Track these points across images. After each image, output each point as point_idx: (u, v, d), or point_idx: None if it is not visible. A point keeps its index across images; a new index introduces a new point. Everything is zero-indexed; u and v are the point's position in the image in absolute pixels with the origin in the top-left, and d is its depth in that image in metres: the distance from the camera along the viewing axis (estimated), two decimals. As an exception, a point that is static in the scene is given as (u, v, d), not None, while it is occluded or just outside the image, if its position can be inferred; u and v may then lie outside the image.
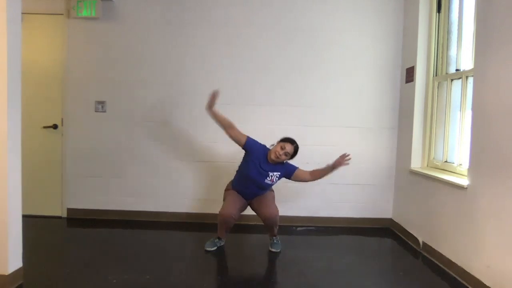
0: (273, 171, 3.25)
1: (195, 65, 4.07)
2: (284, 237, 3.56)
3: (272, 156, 3.20)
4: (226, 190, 3.47)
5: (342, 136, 4.08)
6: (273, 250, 3.35)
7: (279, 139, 3.30)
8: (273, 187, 3.43)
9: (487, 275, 2.56)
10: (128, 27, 4.06)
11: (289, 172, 3.32)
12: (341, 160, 3.24)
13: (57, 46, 4.07)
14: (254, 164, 3.25)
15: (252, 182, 3.27)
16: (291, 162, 3.35)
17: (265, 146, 3.34)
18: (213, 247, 3.34)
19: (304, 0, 4.03)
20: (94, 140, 4.11)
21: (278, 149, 3.19)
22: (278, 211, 3.26)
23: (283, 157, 3.20)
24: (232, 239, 3.84)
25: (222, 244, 3.41)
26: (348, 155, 3.21)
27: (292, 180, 3.36)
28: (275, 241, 3.40)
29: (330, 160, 4.06)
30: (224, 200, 3.41)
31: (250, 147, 3.29)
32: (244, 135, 3.30)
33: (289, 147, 3.20)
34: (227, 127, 3.29)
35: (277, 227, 3.36)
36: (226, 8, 4.04)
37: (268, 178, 3.24)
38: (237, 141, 3.29)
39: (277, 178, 3.29)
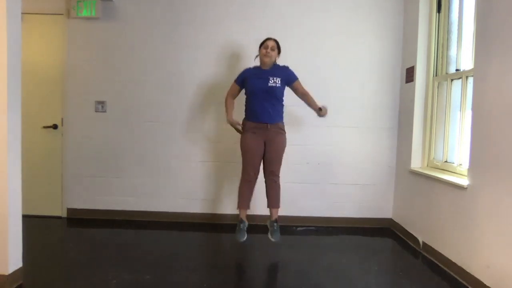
0: (272, 75, 3.26)
1: (195, 65, 4.07)
2: (284, 237, 3.55)
3: (263, 59, 3.28)
4: (242, 131, 3.39)
5: (342, 136, 4.08)
6: (272, 239, 3.27)
7: (258, 47, 3.36)
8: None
9: (487, 275, 2.56)
10: (128, 27, 4.06)
11: (290, 79, 3.35)
12: (325, 112, 3.34)
13: (57, 46, 4.07)
14: (253, 78, 3.29)
15: (258, 94, 3.25)
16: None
17: (253, 66, 3.43)
18: (244, 236, 3.27)
19: (304, 0, 4.03)
20: (94, 140, 4.12)
21: (263, 50, 3.28)
22: (279, 177, 3.30)
23: (272, 52, 3.28)
24: (232, 239, 3.84)
25: (246, 226, 3.32)
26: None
27: (291, 86, 3.38)
28: (275, 227, 3.30)
29: (330, 160, 4.09)
30: (242, 153, 3.35)
31: (242, 78, 3.37)
32: (233, 83, 3.41)
33: (271, 43, 3.29)
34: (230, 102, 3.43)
35: (279, 197, 3.34)
36: (226, 8, 4.04)
37: (270, 81, 3.24)
38: (236, 94, 3.42)
39: (279, 82, 3.26)
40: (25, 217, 2.73)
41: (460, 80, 3.18)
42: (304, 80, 3.99)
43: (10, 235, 2.48)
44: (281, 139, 3.34)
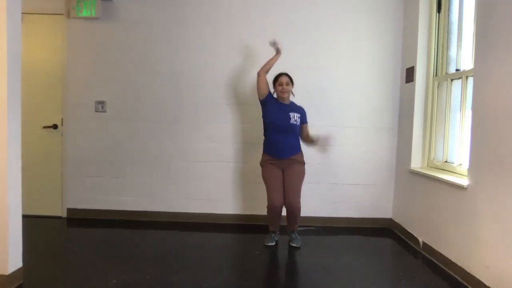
0: (292, 111, 3.43)
1: (195, 65, 4.07)
2: (284, 237, 3.56)
3: (283, 95, 3.42)
4: (262, 165, 3.52)
5: (342, 136, 4.08)
6: (294, 244, 3.44)
7: (272, 83, 3.48)
8: None
9: (487, 275, 2.55)
10: (128, 27, 4.06)
11: (303, 120, 3.52)
12: (325, 142, 3.48)
13: (57, 46, 4.07)
14: (275, 111, 3.41)
15: (280, 128, 3.38)
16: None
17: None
18: (272, 242, 3.49)
19: (304, 1, 4.03)
20: (94, 140, 4.12)
21: (279, 87, 3.42)
22: (299, 203, 3.39)
23: (288, 87, 3.42)
24: (233, 239, 3.84)
25: (278, 237, 3.55)
26: (333, 138, 3.54)
27: (304, 124, 3.53)
28: (293, 236, 3.49)
29: (330, 160, 4.09)
30: (265, 182, 3.48)
31: (269, 99, 3.47)
32: (268, 87, 3.48)
33: (284, 79, 3.43)
34: (265, 74, 3.46)
35: (298, 220, 3.46)
36: (226, 8, 4.04)
37: (291, 119, 3.39)
38: (262, 89, 3.44)
39: (298, 119, 3.44)
40: (25, 217, 2.73)
41: (460, 80, 3.17)
42: (305, 80, 4.02)
43: (10, 235, 2.47)
44: (298, 168, 3.47)
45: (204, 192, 4.15)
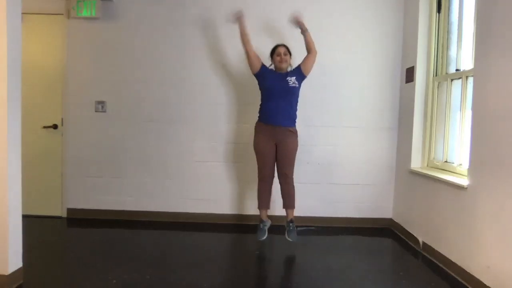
0: (289, 76, 3.38)
1: (195, 65, 4.07)
2: (285, 237, 3.55)
3: (280, 65, 3.39)
4: (255, 134, 3.48)
5: (342, 136, 4.08)
6: (289, 239, 3.36)
7: (269, 55, 3.50)
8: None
9: (487, 275, 2.55)
10: (128, 27, 4.06)
11: (299, 70, 3.46)
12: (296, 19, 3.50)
13: (57, 46, 4.07)
14: (271, 78, 3.39)
15: (277, 93, 3.34)
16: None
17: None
18: (264, 234, 3.42)
19: (303, 1, 4.03)
20: (94, 140, 4.12)
21: (277, 57, 3.40)
22: (293, 175, 3.41)
23: (286, 57, 3.41)
24: (232, 239, 3.84)
25: (268, 226, 3.50)
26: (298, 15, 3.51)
27: (305, 71, 3.47)
28: (291, 227, 3.39)
29: (330, 160, 4.09)
30: (256, 155, 3.47)
31: (263, 71, 3.44)
32: (260, 59, 3.46)
33: (282, 49, 3.42)
34: (249, 45, 3.46)
35: (293, 195, 3.43)
36: (227, 7, 4.04)
37: (289, 82, 3.35)
38: (253, 63, 3.43)
39: (296, 81, 3.39)
40: (25, 217, 2.73)
41: (460, 80, 3.18)
42: (305, 80, 4.00)
43: (10, 235, 2.48)
44: (292, 141, 3.42)
45: (204, 192, 4.14)
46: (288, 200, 3.44)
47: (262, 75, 3.43)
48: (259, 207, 3.52)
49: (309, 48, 3.50)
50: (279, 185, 3.49)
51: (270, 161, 3.42)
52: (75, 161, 4.12)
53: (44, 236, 3.66)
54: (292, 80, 3.37)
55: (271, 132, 3.37)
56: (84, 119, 4.10)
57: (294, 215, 3.47)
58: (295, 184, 3.49)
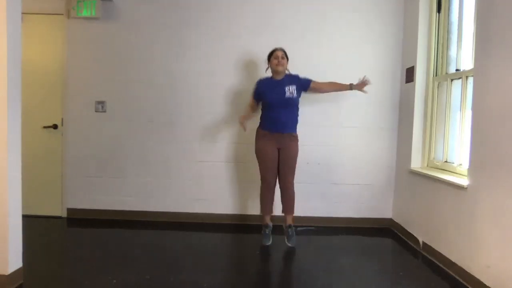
0: (287, 84, 3.39)
1: (195, 65, 4.07)
2: (284, 237, 3.55)
3: (277, 68, 3.40)
4: (256, 140, 3.52)
5: (342, 136, 4.08)
6: (289, 244, 3.40)
7: (267, 58, 3.51)
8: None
9: (487, 275, 2.55)
10: (128, 27, 4.06)
11: (304, 84, 3.48)
12: (362, 85, 3.54)
13: (57, 46, 4.07)
14: (269, 92, 3.41)
15: (276, 105, 3.37)
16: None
17: (265, 78, 3.58)
18: (269, 239, 3.46)
19: (304, 0, 4.03)
20: (94, 140, 4.12)
21: (274, 60, 3.41)
22: (293, 185, 3.46)
23: (283, 60, 3.41)
24: (233, 239, 3.84)
25: (271, 229, 3.53)
26: (367, 79, 3.55)
27: (310, 91, 3.54)
28: (290, 232, 3.43)
29: (330, 160, 4.09)
30: (258, 159, 3.51)
31: (258, 91, 3.50)
32: (251, 98, 3.60)
33: (280, 53, 3.42)
34: (250, 109, 3.63)
35: (293, 201, 3.47)
36: (226, 8, 4.04)
37: (286, 93, 3.37)
38: (255, 107, 3.60)
39: (295, 90, 3.40)
40: (25, 217, 2.73)
41: (460, 80, 3.17)
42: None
43: (10, 235, 2.48)
44: (294, 146, 3.47)
45: (204, 192, 4.14)
46: (289, 205, 3.48)
47: (259, 95, 3.50)
48: (263, 213, 3.56)
49: (332, 85, 3.62)
50: (279, 188, 3.53)
51: (273, 167, 3.45)
52: (75, 161, 4.12)
53: (44, 236, 3.66)
54: (290, 89, 3.38)
55: (273, 138, 3.41)
56: (84, 119, 4.10)
57: (294, 215, 3.51)
58: (295, 184, 3.50)
